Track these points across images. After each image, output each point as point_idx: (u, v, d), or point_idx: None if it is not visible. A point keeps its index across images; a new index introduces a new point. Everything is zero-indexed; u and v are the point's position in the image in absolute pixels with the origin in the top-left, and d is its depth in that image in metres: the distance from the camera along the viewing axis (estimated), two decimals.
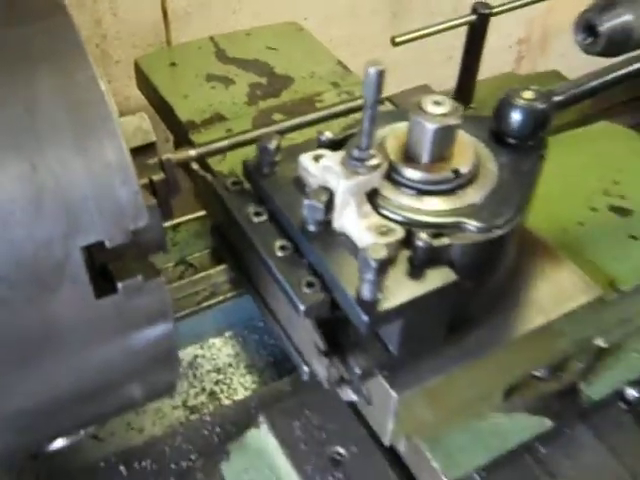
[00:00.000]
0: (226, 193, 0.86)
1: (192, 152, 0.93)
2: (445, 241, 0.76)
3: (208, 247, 1.30)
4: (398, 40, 1.35)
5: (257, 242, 0.81)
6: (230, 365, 1.26)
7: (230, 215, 0.85)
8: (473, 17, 1.41)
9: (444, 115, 0.78)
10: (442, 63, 2.13)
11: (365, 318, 0.72)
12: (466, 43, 1.46)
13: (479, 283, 0.82)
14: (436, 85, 2.03)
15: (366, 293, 0.72)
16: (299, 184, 0.84)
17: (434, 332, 0.80)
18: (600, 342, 0.98)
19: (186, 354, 1.27)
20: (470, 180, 0.81)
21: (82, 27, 1.68)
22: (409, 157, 0.82)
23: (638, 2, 1.14)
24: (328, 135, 0.86)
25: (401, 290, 0.74)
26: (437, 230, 0.77)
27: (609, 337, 0.99)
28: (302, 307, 0.75)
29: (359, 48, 1.94)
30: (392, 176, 0.81)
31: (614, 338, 1.00)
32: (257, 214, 0.84)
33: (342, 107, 1.02)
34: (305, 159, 0.83)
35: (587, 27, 1.15)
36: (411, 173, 0.80)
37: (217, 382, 1.24)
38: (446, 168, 0.81)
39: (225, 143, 0.95)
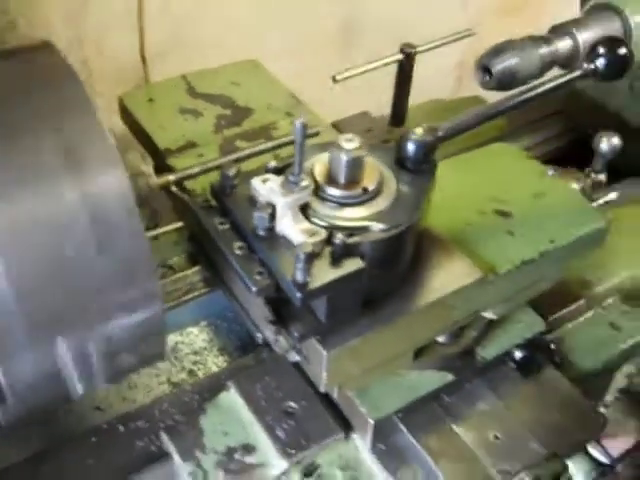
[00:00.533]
0: (198, 209, 1.19)
1: (171, 177, 1.25)
2: (356, 239, 1.09)
3: (185, 252, 1.62)
4: (338, 78, 1.68)
5: (221, 244, 1.14)
6: (205, 349, 1.59)
7: (201, 225, 1.18)
8: (400, 56, 1.75)
9: (354, 149, 1.11)
10: (386, 89, 2.47)
11: (299, 295, 1.04)
12: (396, 77, 1.80)
13: (386, 269, 1.15)
14: (379, 108, 2.37)
15: (299, 277, 1.05)
16: (252, 201, 1.17)
17: (352, 305, 1.13)
18: (489, 314, 1.31)
19: (169, 340, 1.59)
20: (376, 194, 1.14)
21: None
22: (331, 179, 1.15)
23: (522, 49, 1.49)
24: (273, 164, 1.19)
25: (324, 274, 1.07)
26: (351, 231, 1.10)
27: (497, 310, 1.32)
28: (254, 289, 1.08)
29: (312, 80, 2.27)
30: (319, 193, 1.14)
31: (501, 311, 1.33)
32: (221, 224, 1.16)
33: (284, 140, 1.35)
34: (256, 182, 1.15)
35: (484, 68, 1.50)
36: (332, 191, 1.14)
37: (195, 362, 1.56)
38: (358, 187, 1.14)
39: (198, 169, 1.27)
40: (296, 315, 1.13)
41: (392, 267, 1.17)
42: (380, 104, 2.48)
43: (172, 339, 1.60)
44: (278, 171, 1.19)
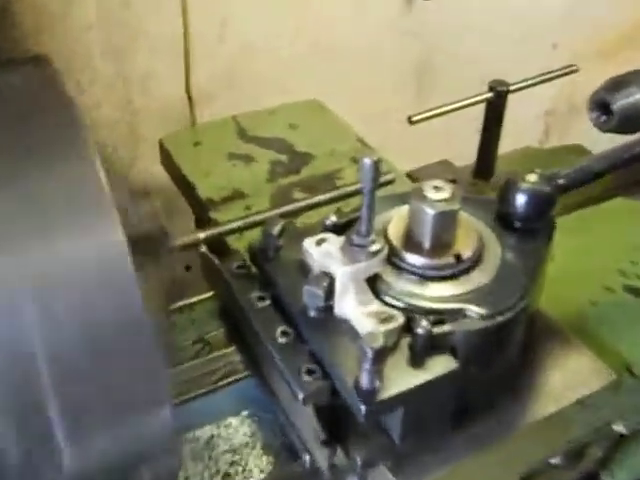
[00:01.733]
0: (231, 277, 0.87)
1: (201, 235, 0.94)
2: (446, 328, 0.75)
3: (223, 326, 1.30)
4: (415, 119, 1.36)
5: (259, 327, 0.81)
6: (246, 445, 1.25)
7: (235, 299, 0.85)
8: (490, 95, 1.42)
9: (444, 200, 0.78)
10: (469, 136, 2.14)
11: (363, 407, 0.70)
12: (485, 120, 1.47)
13: (485, 369, 0.80)
14: (461, 159, 2.04)
15: (364, 382, 0.71)
16: (303, 268, 0.84)
17: (438, 420, 0.78)
18: (619, 428, 0.94)
19: (202, 433, 1.26)
20: (473, 265, 0.80)
21: (114, 106, 1.73)
22: (411, 242, 0.81)
23: None
24: (332, 219, 0.86)
25: (401, 378, 0.72)
26: (438, 316, 0.76)
27: (630, 423, 0.95)
28: (301, 394, 0.74)
29: (380, 124, 1.96)
30: (394, 261, 0.80)
31: (635, 425, 0.96)
32: (260, 299, 0.84)
33: (349, 189, 1.03)
34: (308, 243, 0.83)
35: (601, 105, 1.15)
36: (413, 259, 0.80)
37: (232, 463, 1.22)
38: (448, 253, 0.80)
39: (237, 224, 0.96)
40: (359, 432, 0.78)
41: (493, 367, 0.82)
42: (461, 154, 2.14)
43: (207, 432, 1.27)
44: (339, 229, 0.87)
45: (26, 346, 0.65)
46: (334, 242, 0.79)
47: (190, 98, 1.56)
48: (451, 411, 0.79)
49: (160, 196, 1.77)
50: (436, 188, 0.79)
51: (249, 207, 1.36)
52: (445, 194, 0.78)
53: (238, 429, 1.28)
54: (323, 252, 0.78)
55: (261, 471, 1.22)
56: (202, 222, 1.43)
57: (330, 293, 0.77)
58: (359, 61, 1.94)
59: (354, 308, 0.76)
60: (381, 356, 0.69)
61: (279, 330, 0.80)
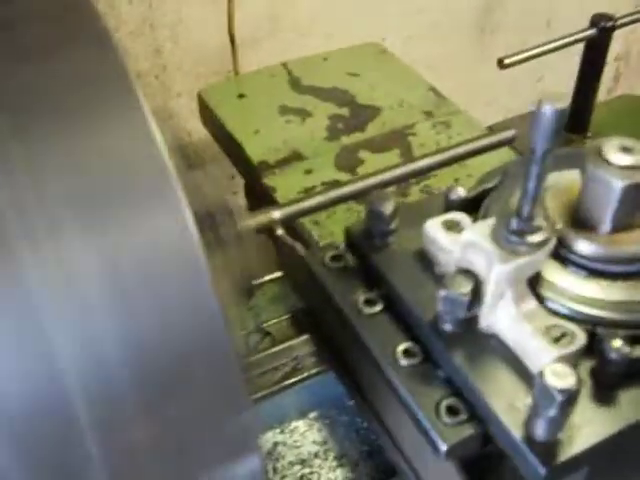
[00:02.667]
0: (324, 271, 0.63)
1: (276, 213, 0.70)
2: None
3: (287, 312, 1.07)
4: (507, 62, 1.11)
5: (371, 343, 0.58)
6: (317, 455, 1.03)
7: (331, 301, 0.62)
8: (593, 31, 1.16)
9: (636, 167, 0.54)
10: (531, 85, 1.88)
11: (543, 470, 0.48)
12: (583, 62, 1.21)
13: None
14: (525, 110, 1.77)
15: (541, 432, 0.48)
16: (424, 261, 0.61)
17: (625, 476, 0.55)
18: None
19: (265, 441, 1.04)
20: None
21: (140, 58, 1.48)
22: (581, 224, 0.57)
23: None
24: (460, 192, 0.62)
25: (590, 425, 0.49)
26: (632, 331, 0.53)
27: None
28: (444, 446, 0.51)
29: (444, 70, 1.70)
30: (559, 252, 0.57)
31: None
32: (368, 302, 0.60)
33: (468, 147, 0.78)
34: (433, 228, 0.59)
35: None
36: (588, 248, 0.56)
37: (302, 478, 1.01)
38: (637, 240, 0.56)
39: (318, 200, 0.72)
40: None
41: None
42: (525, 103, 1.88)
43: (269, 439, 1.05)
44: (467, 205, 0.63)
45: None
46: (476, 229, 0.55)
47: (233, 43, 1.31)
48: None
49: (198, 159, 1.53)
50: (624, 149, 0.54)
51: (310, 171, 1.13)
52: (638, 157, 0.54)
53: (306, 435, 1.06)
54: (465, 242, 0.55)
55: None
56: (253, 189, 1.20)
57: (476, 300, 0.54)
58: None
59: (513, 321, 0.53)
60: (573, 400, 0.46)
61: (401, 348, 0.57)
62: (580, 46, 1.25)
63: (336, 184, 0.75)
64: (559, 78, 1.78)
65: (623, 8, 1.77)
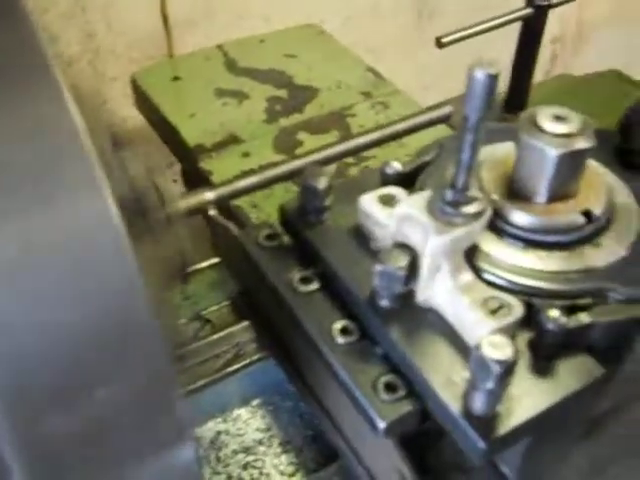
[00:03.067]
0: (259, 251, 0.61)
1: (209, 194, 0.67)
2: (584, 319, 0.51)
3: (227, 299, 1.05)
4: (444, 40, 1.10)
5: (307, 322, 0.56)
6: (261, 443, 1.00)
7: (265, 281, 0.60)
8: (529, 10, 1.16)
9: (570, 135, 0.53)
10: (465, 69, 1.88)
11: (482, 444, 0.46)
12: (520, 41, 1.21)
13: (617, 367, 0.57)
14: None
15: (480, 406, 0.47)
16: (359, 237, 0.59)
17: (564, 446, 0.55)
18: None
19: (207, 430, 1.01)
20: (605, 225, 0.56)
21: (72, 42, 1.42)
22: (517, 195, 0.56)
23: None
24: (396, 167, 0.60)
25: (528, 397, 0.49)
26: (569, 302, 0.52)
27: None
28: (382, 424, 0.50)
29: (383, 52, 1.69)
30: (495, 223, 0.55)
31: None
32: (304, 280, 0.58)
33: (405, 124, 0.77)
34: (368, 202, 0.57)
35: None
36: (524, 219, 0.55)
37: (246, 466, 0.98)
38: (573, 209, 0.55)
39: (252, 180, 0.69)
40: (460, 467, 0.54)
41: (625, 362, 0.58)
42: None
43: (212, 428, 1.03)
44: (403, 180, 0.62)
45: None
46: (412, 201, 0.54)
47: (166, 25, 1.27)
48: (578, 431, 0.55)
49: (134, 145, 1.49)
50: (558, 118, 0.53)
51: (247, 154, 1.10)
52: (572, 126, 0.53)
53: (249, 422, 1.04)
54: (400, 215, 0.53)
55: (281, 473, 0.99)
56: (190, 175, 1.17)
57: (412, 273, 0.52)
58: None
59: (450, 294, 0.52)
60: (510, 371, 0.45)
61: (337, 326, 0.55)
62: (518, 28, 1.25)
63: (272, 164, 0.73)
64: (496, 58, 1.80)
65: None
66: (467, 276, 0.52)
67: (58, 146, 0.43)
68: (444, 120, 0.77)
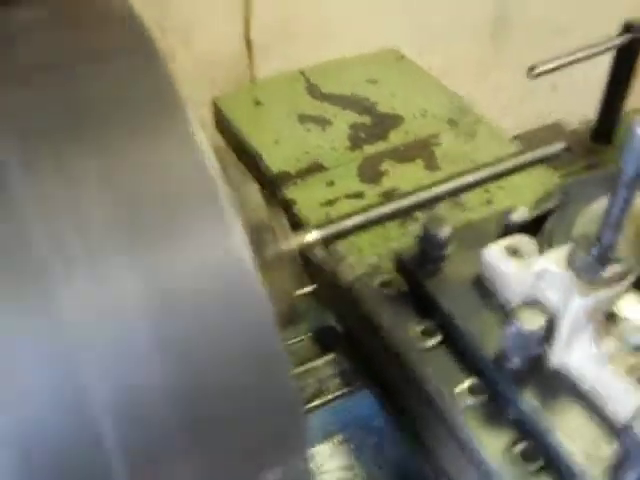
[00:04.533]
0: (378, 300, 0.58)
1: (315, 234, 0.65)
2: None
3: (312, 329, 1.02)
4: (537, 71, 1.05)
5: (430, 381, 0.52)
6: None
7: (380, 332, 0.57)
8: (625, 38, 1.11)
9: None
10: (545, 93, 1.83)
11: None
12: (613, 70, 1.16)
13: None
14: (545, 119, 1.73)
15: None
16: (482, 288, 0.55)
17: None
18: None
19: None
20: None
21: None
22: None
23: None
24: (523, 213, 0.57)
25: None
26: None
27: None
28: None
29: (456, 77, 1.66)
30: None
31: None
32: (426, 334, 0.55)
33: (513, 162, 0.73)
34: (494, 253, 0.54)
35: None
36: None
37: None
38: None
39: (358, 220, 0.66)
40: None
41: None
42: (541, 111, 1.83)
43: None
44: (525, 229, 0.58)
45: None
46: (549, 257, 0.50)
47: (249, 49, 1.25)
48: None
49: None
50: None
51: (332, 183, 1.07)
52: None
53: (330, 460, 1.00)
54: (538, 271, 0.49)
55: None
56: (270, 202, 1.15)
57: (548, 335, 0.49)
58: (431, 5, 1.62)
59: (592, 360, 0.48)
60: None
61: (464, 386, 0.52)
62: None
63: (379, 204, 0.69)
64: (573, 86, 1.74)
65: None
66: (610, 340, 0.48)
67: (191, 183, 0.41)
68: (557, 156, 0.73)
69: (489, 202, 1.02)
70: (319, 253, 0.64)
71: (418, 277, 0.56)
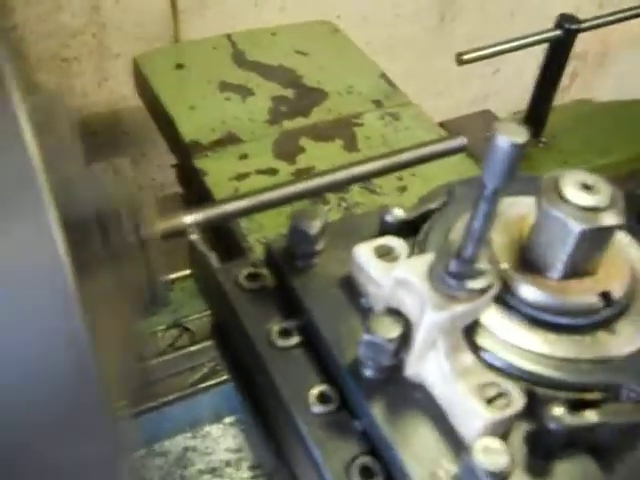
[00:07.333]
0: (237, 292, 0.55)
1: (188, 219, 0.61)
2: (591, 418, 0.45)
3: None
4: (466, 57, 1.03)
5: (281, 384, 0.50)
6: (229, 464, 0.95)
7: (241, 327, 0.54)
8: (558, 33, 1.09)
9: (598, 210, 0.46)
10: (486, 78, 1.81)
11: None
12: (545, 63, 1.14)
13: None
14: (482, 104, 1.71)
15: None
16: (350, 287, 0.53)
17: None
18: None
19: (174, 445, 0.96)
20: (623, 309, 0.49)
21: (78, 14, 1.35)
22: (529, 265, 0.50)
23: None
24: (398, 214, 0.54)
25: None
26: (575, 394, 0.46)
27: None
28: None
29: (399, 54, 1.62)
30: (501, 295, 0.49)
31: None
32: (283, 334, 0.52)
33: (415, 153, 0.70)
34: (363, 254, 0.51)
35: None
36: (534, 294, 0.48)
37: None
38: (590, 289, 0.49)
39: (244, 203, 0.63)
40: None
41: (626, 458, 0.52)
42: (483, 95, 1.82)
43: (180, 443, 0.97)
44: (404, 229, 0.55)
45: None
46: (411, 265, 0.47)
47: (174, 7, 1.19)
48: None
49: (132, 126, 1.42)
50: (584, 187, 0.47)
51: (245, 156, 1.04)
52: (600, 198, 0.46)
53: (219, 441, 0.99)
54: (397, 279, 0.47)
55: None
56: (183, 169, 1.10)
57: (404, 344, 0.46)
58: None
59: (443, 376, 0.45)
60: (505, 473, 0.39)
61: (314, 392, 0.49)
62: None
63: (268, 188, 0.66)
64: (516, 72, 1.72)
65: (585, 4, 1.70)
66: (465, 357, 0.46)
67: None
68: (459, 151, 0.70)
69: (403, 189, 1.00)
70: (193, 237, 0.60)
71: (285, 272, 0.53)
